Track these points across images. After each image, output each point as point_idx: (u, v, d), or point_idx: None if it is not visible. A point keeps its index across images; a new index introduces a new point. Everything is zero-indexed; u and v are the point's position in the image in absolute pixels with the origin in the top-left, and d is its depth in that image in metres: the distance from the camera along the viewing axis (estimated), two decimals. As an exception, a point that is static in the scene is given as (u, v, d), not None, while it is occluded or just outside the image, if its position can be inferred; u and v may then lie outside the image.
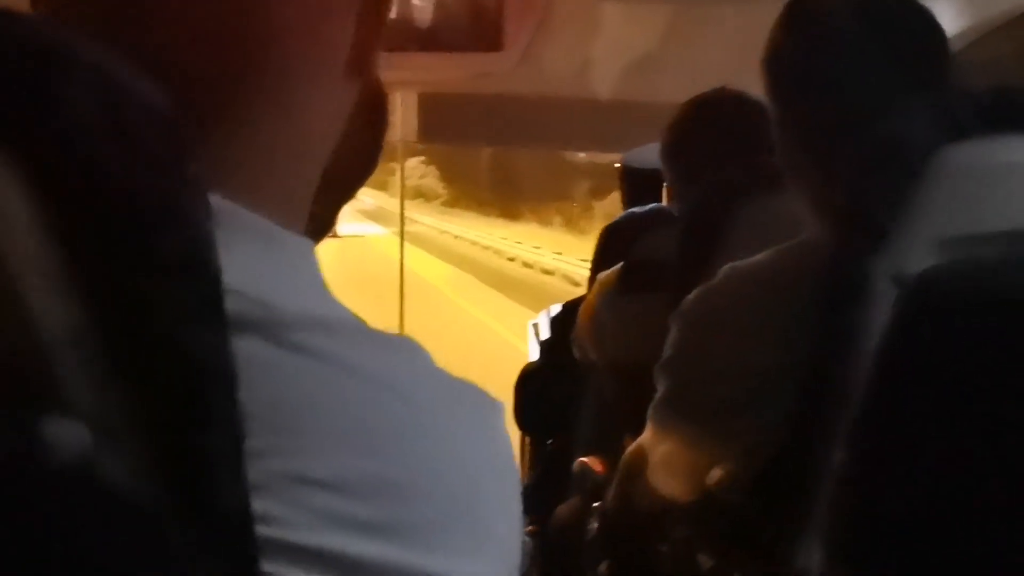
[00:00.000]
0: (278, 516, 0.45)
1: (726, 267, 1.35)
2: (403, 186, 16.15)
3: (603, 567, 1.76)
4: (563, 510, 2.17)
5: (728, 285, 1.33)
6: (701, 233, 1.65)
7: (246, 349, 0.46)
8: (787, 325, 1.22)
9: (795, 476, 1.14)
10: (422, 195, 59.86)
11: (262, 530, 0.44)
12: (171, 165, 0.45)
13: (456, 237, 34.70)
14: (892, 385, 0.79)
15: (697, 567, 1.48)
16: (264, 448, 0.45)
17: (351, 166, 0.64)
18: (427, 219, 43.76)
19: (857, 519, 0.83)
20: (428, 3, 2.34)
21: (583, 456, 2.15)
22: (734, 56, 1.90)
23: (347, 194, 0.67)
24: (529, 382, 2.43)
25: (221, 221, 0.46)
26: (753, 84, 1.46)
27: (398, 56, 2.80)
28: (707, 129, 1.90)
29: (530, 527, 2.45)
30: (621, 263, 2.02)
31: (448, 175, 59.82)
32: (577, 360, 2.21)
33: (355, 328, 0.52)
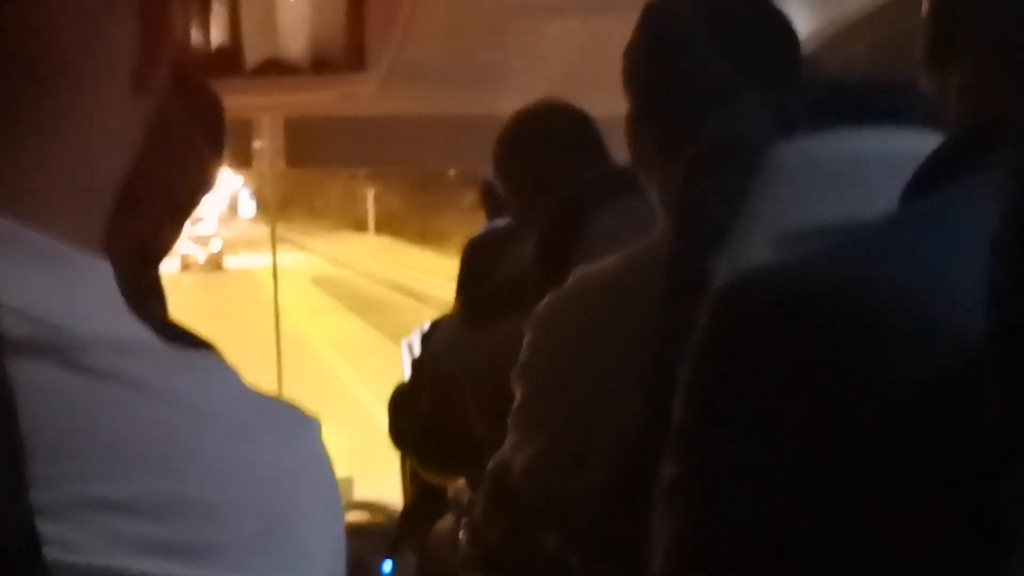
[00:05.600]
0: (72, 541, 0.44)
1: (577, 270, 1.35)
2: (274, 223, 15.43)
3: (475, 581, 1.75)
4: (439, 528, 2.15)
5: (578, 288, 1.34)
6: (557, 243, 1.66)
7: (32, 372, 0.45)
8: (636, 326, 1.23)
9: (648, 480, 1.14)
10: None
11: (55, 555, 0.44)
12: None
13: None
14: (702, 389, 0.80)
15: (568, 573, 1.47)
16: (56, 473, 0.44)
17: (182, 185, 0.62)
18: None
19: (684, 526, 0.83)
20: (291, 25, 2.32)
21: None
22: (586, 67, 1.91)
23: (182, 213, 0.66)
24: (402, 401, 2.41)
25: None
26: (603, 91, 1.48)
27: (260, 80, 2.77)
28: (540, 141, 1.89)
29: (411, 547, 2.43)
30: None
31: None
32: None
33: (152, 348, 0.51)
